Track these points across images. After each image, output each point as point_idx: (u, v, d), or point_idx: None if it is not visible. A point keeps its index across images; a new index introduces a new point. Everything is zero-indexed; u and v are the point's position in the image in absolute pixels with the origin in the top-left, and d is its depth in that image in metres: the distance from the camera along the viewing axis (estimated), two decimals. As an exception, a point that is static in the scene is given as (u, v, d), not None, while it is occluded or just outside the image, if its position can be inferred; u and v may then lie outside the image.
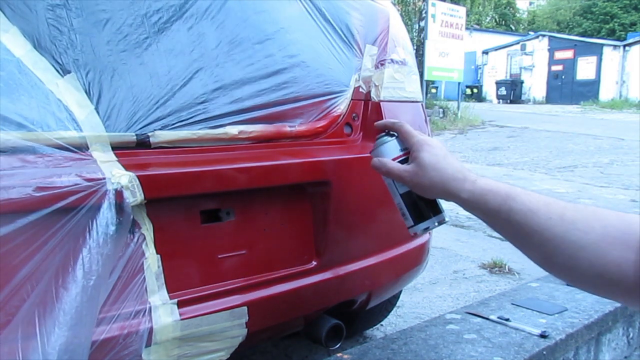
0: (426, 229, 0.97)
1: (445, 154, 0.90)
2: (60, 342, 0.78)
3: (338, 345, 1.33)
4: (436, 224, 0.96)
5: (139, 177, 0.89)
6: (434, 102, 14.31)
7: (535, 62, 24.23)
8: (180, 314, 0.97)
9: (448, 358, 1.23)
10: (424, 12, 12.37)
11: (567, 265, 0.72)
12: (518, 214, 0.76)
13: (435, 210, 0.96)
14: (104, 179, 0.85)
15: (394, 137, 0.97)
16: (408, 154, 0.94)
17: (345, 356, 1.24)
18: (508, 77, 24.82)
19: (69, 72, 0.88)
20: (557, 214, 0.74)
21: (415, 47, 11.67)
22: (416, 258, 1.55)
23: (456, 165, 0.88)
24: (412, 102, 1.50)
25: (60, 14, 0.89)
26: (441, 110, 13.24)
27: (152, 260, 0.94)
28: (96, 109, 0.90)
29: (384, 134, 1.00)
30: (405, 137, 0.95)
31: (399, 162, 0.94)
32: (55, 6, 0.88)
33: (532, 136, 10.03)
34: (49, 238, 0.80)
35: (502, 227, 0.80)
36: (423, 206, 0.95)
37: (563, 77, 23.07)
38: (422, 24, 12.45)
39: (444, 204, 0.97)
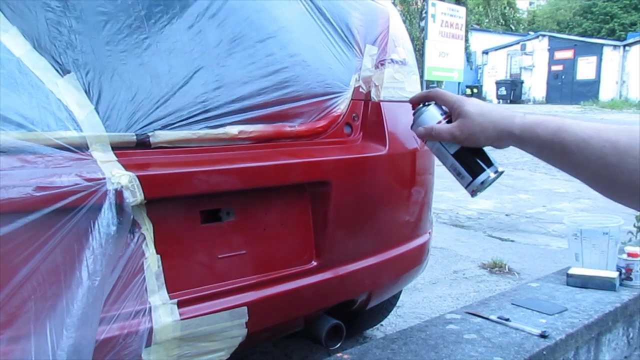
0: (483, 183, 0.98)
1: (487, 104, 0.92)
2: (68, 343, 0.78)
3: (338, 345, 1.33)
4: (492, 174, 0.98)
5: (139, 177, 0.89)
6: (434, 102, 14.28)
7: (535, 62, 24.23)
8: (180, 314, 0.97)
9: (448, 358, 1.23)
10: (424, 12, 12.37)
11: (628, 192, 0.74)
12: (571, 144, 0.78)
13: (487, 162, 0.98)
14: (104, 179, 0.85)
15: (431, 104, 1.00)
16: (449, 117, 0.97)
17: (345, 356, 1.24)
18: (508, 77, 24.81)
19: (69, 72, 0.88)
20: (610, 142, 0.75)
21: (417, 48, 11.67)
22: (416, 258, 1.55)
23: (500, 108, 0.90)
24: (412, 102, 1.50)
25: (59, 14, 0.89)
26: (441, 110, 13.22)
27: (152, 260, 0.94)
28: (96, 108, 0.90)
29: (420, 105, 1.02)
30: (444, 100, 0.98)
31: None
32: (55, 6, 0.88)
33: (532, 136, 10.01)
34: (49, 238, 0.80)
35: (556, 158, 0.82)
36: (476, 160, 0.98)
37: (563, 77, 23.07)
38: (422, 23, 12.44)
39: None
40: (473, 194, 1.01)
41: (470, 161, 0.98)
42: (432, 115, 0.99)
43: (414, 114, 1.03)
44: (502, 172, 0.99)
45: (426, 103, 1.02)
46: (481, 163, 0.98)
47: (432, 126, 0.97)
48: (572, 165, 0.80)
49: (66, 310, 0.80)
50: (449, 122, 0.97)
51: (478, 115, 0.90)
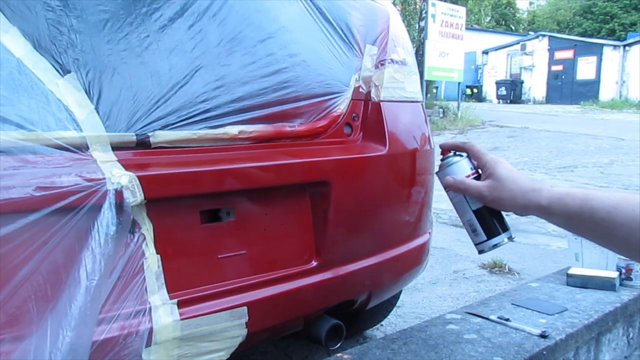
0: (495, 245, 0.99)
1: (515, 169, 0.94)
2: (64, 342, 0.78)
3: (338, 345, 1.33)
4: (505, 240, 0.99)
5: (139, 177, 0.89)
6: (434, 102, 14.31)
7: (535, 62, 24.22)
8: (180, 314, 0.97)
9: (448, 358, 1.23)
10: (424, 12, 12.37)
11: None
12: (600, 211, 0.80)
13: (504, 227, 1.00)
14: (104, 179, 0.85)
15: (463, 157, 1.00)
16: (477, 173, 0.98)
17: (345, 356, 1.24)
18: (508, 77, 24.80)
19: (69, 71, 0.88)
20: (639, 204, 0.77)
21: (415, 48, 11.66)
22: (416, 258, 1.55)
23: (529, 178, 0.93)
24: (412, 102, 1.50)
25: (60, 14, 0.89)
26: (441, 110, 13.24)
27: (152, 260, 0.94)
28: (96, 108, 0.90)
29: (451, 154, 1.02)
30: (478, 156, 0.98)
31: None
32: (55, 6, 0.88)
33: (532, 136, 10.03)
34: (49, 238, 0.80)
35: (586, 227, 0.84)
36: (495, 222, 0.99)
37: (563, 77, 23.05)
38: (422, 24, 12.44)
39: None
40: (481, 252, 1.02)
41: (489, 221, 0.99)
42: (463, 168, 0.99)
43: (442, 160, 1.03)
44: (513, 239, 1.01)
45: (457, 153, 1.01)
46: (498, 225, 0.99)
47: (463, 180, 0.97)
48: (603, 231, 0.82)
49: (66, 310, 0.80)
50: (476, 178, 0.98)
51: (510, 182, 0.92)
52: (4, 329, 0.77)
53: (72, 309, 0.80)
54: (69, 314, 0.80)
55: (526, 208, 0.91)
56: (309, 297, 1.23)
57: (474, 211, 0.99)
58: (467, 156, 1.00)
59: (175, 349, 0.96)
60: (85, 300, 0.81)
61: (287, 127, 1.17)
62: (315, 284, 1.21)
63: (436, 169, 1.07)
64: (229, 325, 1.04)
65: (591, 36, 27.02)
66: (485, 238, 0.99)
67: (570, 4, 33.81)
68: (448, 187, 1.00)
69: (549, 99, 23.24)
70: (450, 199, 1.02)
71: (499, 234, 0.99)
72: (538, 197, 0.89)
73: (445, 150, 1.03)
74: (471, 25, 16.20)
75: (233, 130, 1.07)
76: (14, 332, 0.78)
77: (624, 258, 1.77)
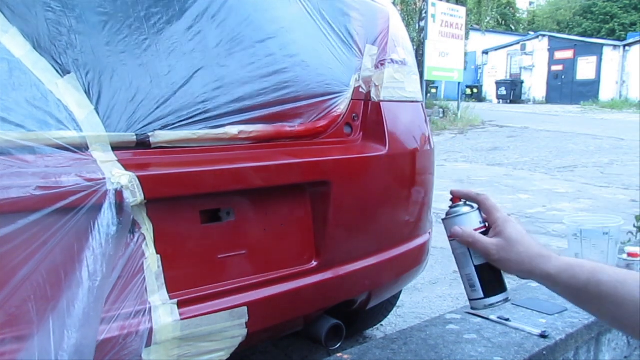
0: (491, 305, 0.97)
1: (525, 232, 0.92)
2: (70, 344, 0.78)
3: (338, 345, 1.33)
4: (502, 300, 0.97)
5: (139, 177, 0.89)
6: (434, 102, 14.31)
7: (535, 62, 24.21)
8: (180, 314, 0.97)
9: (448, 358, 1.23)
10: (424, 12, 12.36)
11: None
12: (607, 285, 0.79)
13: (503, 287, 0.97)
14: (104, 179, 0.85)
15: (475, 209, 0.97)
16: (486, 227, 0.95)
17: (345, 356, 1.24)
18: (508, 77, 24.80)
19: (69, 72, 0.88)
20: None
21: (415, 48, 11.66)
22: (416, 258, 1.55)
23: (538, 243, 0.90)
24: (412, 102, 1.50)
25: (59, 14, 0.89)
26: (441, 110, 13.23)
27: (152, 260, 0.94)
28: (96, 109, 0.90)
29: (462, 202, 0.99)
30: (490, 211, 0.95)
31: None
32: (54, 6, 0.88)
33: (532, 136, 10.03)
34: (49, 238, 0.80)
35: (591, 299, 0.83)
36: (495, 281, 0.96)
37: (563, 77, 23.05)
38: (422, 24, 12.44)
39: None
40: (474, 309, 1.01)
41: (489, 279, 0.96)
42: (472, 221, 0.96)
43: (451, 207, 0.99)
44: (509, 300, 0.99)
45: (468, 203, 0.98)
46: (498, 285, 0.97)
47: (473, 233, 0.94)
48: (607, 305, 0.81)
49: (67, 310, 0.80)
50: (483, 233, 0.94)
51: (519, 245, 0.89)
52: (4, 329, 0.77)
53: (76, 310, 0.80)
54: (73, 315, 0.80)
55: (532, 274, 0.89)
56: (309, 297, 1.23)
57: (475, 266, 0.96)
58: (478, 208, 0.97)
59: (175, 349, 0.96)
60: (88, 300, 0.81)
61: (287, 127, 1.17)
62: (315, 284, 1.21)
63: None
64: (229, 325, 1.04)
65: (591, 36, 27.02)
66: (482, 296, 0.96)
67: (570, 4, 33.81)
68: (455, 238, 0.97)
69: (549, 99, 23.23)
70: (453, 250, 0.99)
71: (497, 293, 0.97)
72: (546, 265, 0.86)
73: (456, 197, 1.00)
74: (471, 26, 16.16)
75: (233, 130, 1.07)
76: (15, 332, 0.78)
77: (624, 258, 1.77)
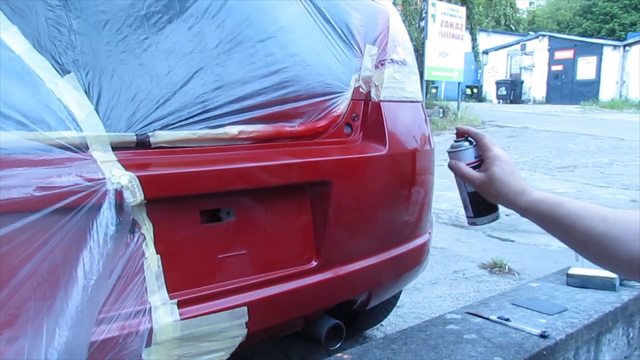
0: (483, 223, 1.17)
1: (512, 170, 1.07)
2: (61, 342, 0.78)
3: (338, 345, 1.33)
4: (489, 220, 1.16)
5: (139, 177, 0.89)
6: (434, 102, 14.31)
7: (535, 62, 24.21)
8: (180, 314, 0.97)
9: (448, 358, 1.23)
10: (424, 12, 12.36)
11: (610, 257, 0.90)
12: (565, 218, 0.95)
13: (492, 209, 1.15)
14: (104, 179, 0.85)
15: (472, 146, 1.12)
16: (480, 161, 1.11)
17: (345, 356, 1.24)
18: (508, 77, 24.79)
19: (69, 71, 0.88)
20: (599, 216, 0.91)
21: (415, 48, 11.67)
22: (416, 258, 1.55)
23: (519, 181, 1.06)
24: (412, 102, 1.50)
25: (60, 14, 0.89)
26: (441, 110, 13.23)
27: (152, 260, 0.94)
28: (96, 108, 0.90)
29: (463, 139, 1.14)
30: (483, 149, 1.10)
31: (472, 167, 1.11)
32: (55, 6, 0.88)
33: (532, 136, 10.03)
34: (49, 238, 0.80)
35: (553, 229, 1.00)
36: (484, 205, 1.14)
37: (563, 77, 23.05)
38: (422, 24, 12.44)
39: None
40: (471, 225, 1.21)
41: (479, 203, 1.14)
42: (467, 155, 1.12)
43: (455, 141, 1.15)
44: (498, 218, 1.17)
45: (469, 139, 1.13)
46: (486, 208, 1.15)
47: (462, 167, 1.11)
48: (566, 234, 0.97)
49: (67, 310, 0.80)
50: (478, 165, 1.10)
51: (498, 182, 1.05)
52: (4, 329, 0.77)
53: (69, 308, 0.80)
54: (66, 313, 0.80)
55: (508, 207, 1.06)
56: (309, 297, 1.23)
57: (468, 192, 1.14)
58: (475, 145, 1.12)
59: (175, 349, 0.96)
60: (82, 299, 0.81)
61: (287, 127, 1.17)
62: (315, 284, 1.21)
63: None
64: (229, 325, 1.04)
65: (591, 36, 27.01)
66: (473, 215, 1.16)
67: (570, 4, 33.80)
68: (450, 169, 1.14)
69: (549, 99, 23.23)
70: (455, 177, 1.16)
71: (486, 214, 1.15)
72: (518, 200, 1.03)
73: (460, 133, 1.14)
74: (479, 26, 16.21)
75: (233, 130, 1.07)
76: (13, 331, 0.78)
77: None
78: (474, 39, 15.13)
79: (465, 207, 1.17)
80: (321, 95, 1.24)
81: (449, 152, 1.16)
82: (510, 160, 1.08)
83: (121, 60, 0.94)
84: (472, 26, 14.65)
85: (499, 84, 23.51)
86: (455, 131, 1.17)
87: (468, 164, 1.11)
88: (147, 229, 0.93)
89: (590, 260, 0.97)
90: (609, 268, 1.00)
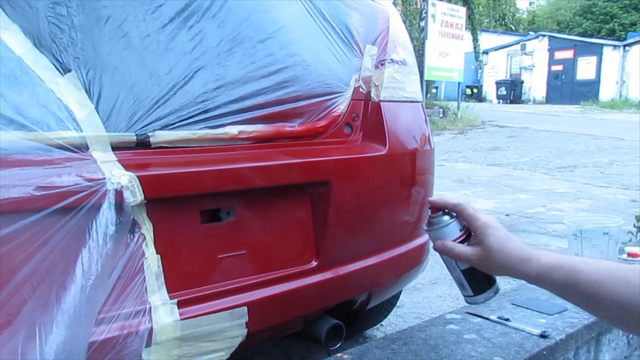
0: (484, 300, 1.02)
1: (507, 235, 0.94)
2: (57, 342, 0.78)
3: (338, 345, 1.33)
4: (491, 296, 1.02)
5: (139, 177, 0.89)
6: (434, 102, 14.30)
7: (535, 62, 24.21)
8: (180, 314, 0.97)
9: (448, 358, 1.23)
10: (424, 12, 12.36)
11: (638, 324, 0.80)
12: (584, 285, 0.84)
13: (491, 283, 1.01)
14: (104, 179, 0.85)
15: (454, 219, 0.98)
16: (467, 233, 0.97)
17: (345, 356, 1.24)
18: (508, 77, 24.79)
19: (69, 70, 0.88)
20: (622, 281, 0.81)
21: (416, 49, 11.66)
22: (416, 258, 1.55)
23: (519, 245, 0.93)
24: (412, 102, 1.50)
25: (60, 12, 0.89)
26: (441, 110, 13.23)
27: (152, 260, 0.94)
28: (96, 108, 0.90)
29: (441, 212, 0.99)
30: (469, 220, 0.96)
31: (459, 242, 0.97)
32: (55, 4, 0.88)
33: (532, 136, 10.03)
34: (49, 238, 0.80)
35: (572, 297, 0.89)
36: (482, 280, 1.00)
37: (563, 77, 23.05)
38: (422, 24, 12.44)
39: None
40: (472, 304, 1.06)
41: (477, 280, 1.00)
42: (452, 231, 0.97)
43: (431, 217, 1.00)
44: (499, 291, 1.04)
45: (447, 211, 0.98)
46: (486, 284, 1.01)
47: (452, 246, 0.96)
48: (586, 302, 0.86)
49: (67, 311, 0.80)
50: (466, 238, 0.96)
51: (499, 253, 0.92)
52: (4, 329, 0.77)
53: (69, 308, 0.80)
54: (65, 313, 0.79)
55: (516, 276, 0.93)
56: (309, 297, 1.23)
57: (462, 270, 0.99)
58: (456, 216, 0.98)
59: (175, 349, 0.96)
60: (80, 299, 0.81)
61: (287, 127, 1.17)
62: (315, 284, 1.21)
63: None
64: (229, 325, 1.04)
65: (591, 36, 27.01)
66: (472, 294, 1.01)
67: (570, 4, 33.81)
68: (436, 250, 1.00)
69: (549, 99, 23.23)
70: (440, 256, 1.02)
71: (487, 289, 1.01)
72: (527, 269, 0.90)
73: (434, 208, 1.00)
74: (480, 27, 16.24)
75: (233, 130, 1.07)
76: (14, 332, 0.78)
77: (624, 258, 1.77)
78: (475, 39, 15.15)
79: (462, 287, 1.02)
80: (321, 95, 1.24)
81: (428, 231, 1.01)
82: (500, 224, 0.96)
83: (122, 59, 0.94)
84: (474, 26, 14.66)
85: (499, 84, 23.51)
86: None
87: (455, 240, 0.96)
88: (147, 229, 0.93)
89: (618, 328, 0.89)
90: None
